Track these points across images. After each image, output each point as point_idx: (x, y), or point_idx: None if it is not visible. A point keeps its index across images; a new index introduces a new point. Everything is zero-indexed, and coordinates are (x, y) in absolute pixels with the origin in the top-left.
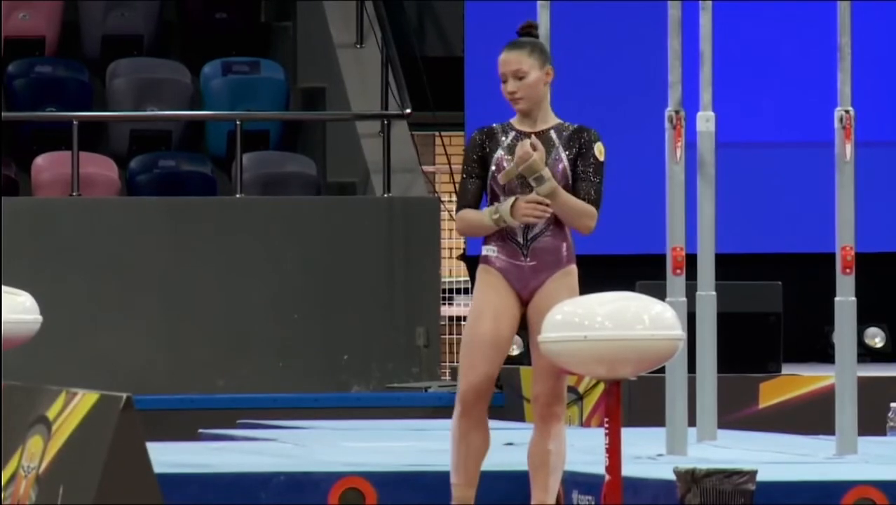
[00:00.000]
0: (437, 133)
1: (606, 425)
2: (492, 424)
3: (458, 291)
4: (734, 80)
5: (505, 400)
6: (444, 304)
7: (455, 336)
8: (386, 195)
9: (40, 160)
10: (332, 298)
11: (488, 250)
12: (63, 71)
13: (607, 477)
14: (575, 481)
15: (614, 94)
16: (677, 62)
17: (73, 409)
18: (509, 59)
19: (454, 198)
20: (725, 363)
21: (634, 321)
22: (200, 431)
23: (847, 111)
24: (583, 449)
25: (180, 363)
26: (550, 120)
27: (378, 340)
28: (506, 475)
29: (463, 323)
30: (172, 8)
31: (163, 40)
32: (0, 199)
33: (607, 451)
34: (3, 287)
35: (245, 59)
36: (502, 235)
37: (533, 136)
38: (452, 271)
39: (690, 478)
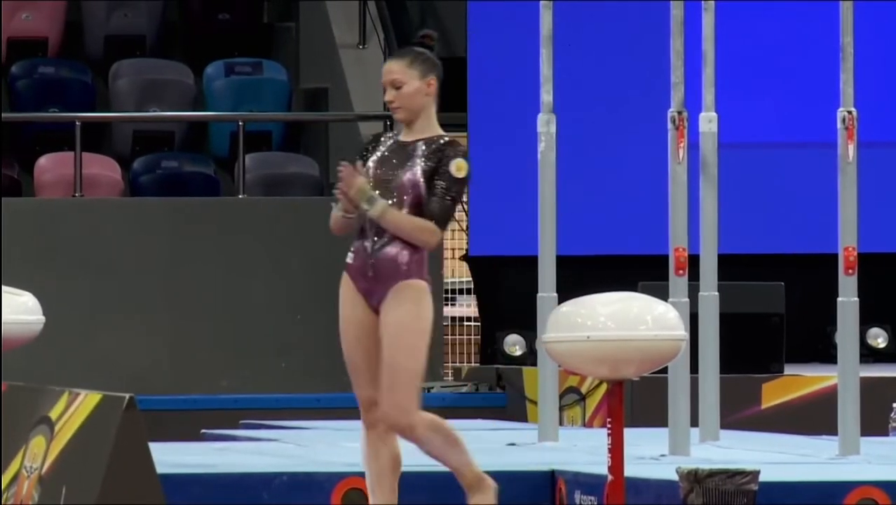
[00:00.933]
0: None
1: (609, 426)
2: (494, 424)
3: (461, 292)
4: (736, 81)
5: (507, 401)
6: (447, 304)
7: (458, 336)
8: None
9: (43, 161)
10: (335, 299)
11: (348, 256)
12: (66, 72)
13: (610, 477)
14: (578, 482)
15: (617, 95)
16: (680, 63)
17: (75, 409)
18: (389, 69)
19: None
20: (728, 364)
21: (637, 322)
22: (203, 431)
23: (850, 112)
24: (585, 449)
25: (183, 364)
26: (429, 131)
27: None
28: (508, 476)
29: (466, 323)
30: (175, 8)
31: (166, 41)
32: (0, 199)
33: (610, 451)
34: (6, 287)
35: (248, 59)
36: (360, 243)
37: (384, 152)
38: (455, 271)
39: (693, 478)
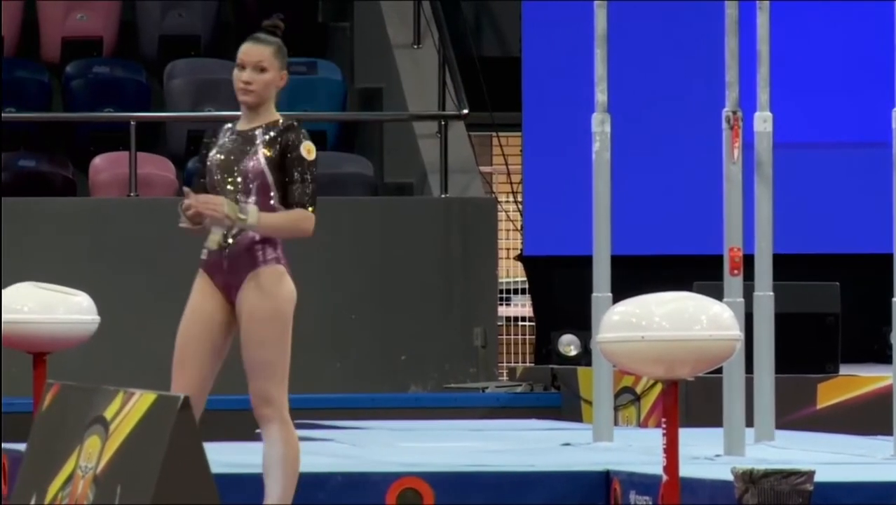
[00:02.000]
0: (494, 133)
1: (664, 426)
2: (549, 424)
3: (516, 292)
4: (791, 81)
5: (562, 401)
6: (502, 304)
7: (513, 336)
8: (443, 196)
9: (98, 161)
10: (390, 299)
11: (202, 252)
12: (121, 71)
13: (665, 477)
14: (632, 482)
15: (672, 95)
16: (734, 62)
17: (130, 409)
18: (253, 51)
19: (511, 198)
20: (783, 364)
21: (692, 322)
22: (258, 431)
23: None
24: (640, 450)
25: (237, 363)
26: (265, 118)
27: (435, 340)
28: (563, 476)
29: (521, 323)
30: (230, 8)
31: (220, 41)
32: (0, 199)
33: (665, 451)
34: (61, 288)
35: (302, 59)
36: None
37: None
38: (510, 271)
39: (748, 478)
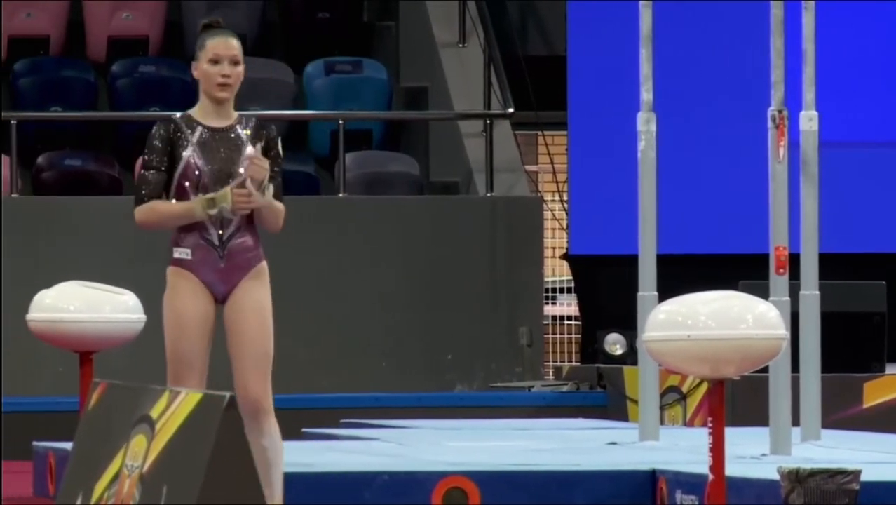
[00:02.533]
0: (539, 132)
1: (710, 425)
2: (595, 423)
3: (562, 291)
4: (837, 80)
5: (608, 400)
6: (548, 303)
7: (558, 335)
8: (489, 194)
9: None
10: (436, 298)
11: (181, 253)
12: (166, 70)
13: (711, 477)
14: (678, 481)
15: (717, 94)
16: (780, 61)
17: (176, 408)
18: (229, 44)
19: (557, 197)
20: (829, 363)
21: (738, 320)
22: (304, 430)
23: None
24: (686, 449)
25: (283, 362)
26: (233, 114)
27: (481, 339)
28: (609, 475)
29: (567, 322)
30: (275, 8)
31: (265, 40)
32: (0, 199)
33: (711, 450)
34: (108, 287)
35: (348, 58)
36: (196, 237)
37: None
38: (555, 270)
39: (794, 478)
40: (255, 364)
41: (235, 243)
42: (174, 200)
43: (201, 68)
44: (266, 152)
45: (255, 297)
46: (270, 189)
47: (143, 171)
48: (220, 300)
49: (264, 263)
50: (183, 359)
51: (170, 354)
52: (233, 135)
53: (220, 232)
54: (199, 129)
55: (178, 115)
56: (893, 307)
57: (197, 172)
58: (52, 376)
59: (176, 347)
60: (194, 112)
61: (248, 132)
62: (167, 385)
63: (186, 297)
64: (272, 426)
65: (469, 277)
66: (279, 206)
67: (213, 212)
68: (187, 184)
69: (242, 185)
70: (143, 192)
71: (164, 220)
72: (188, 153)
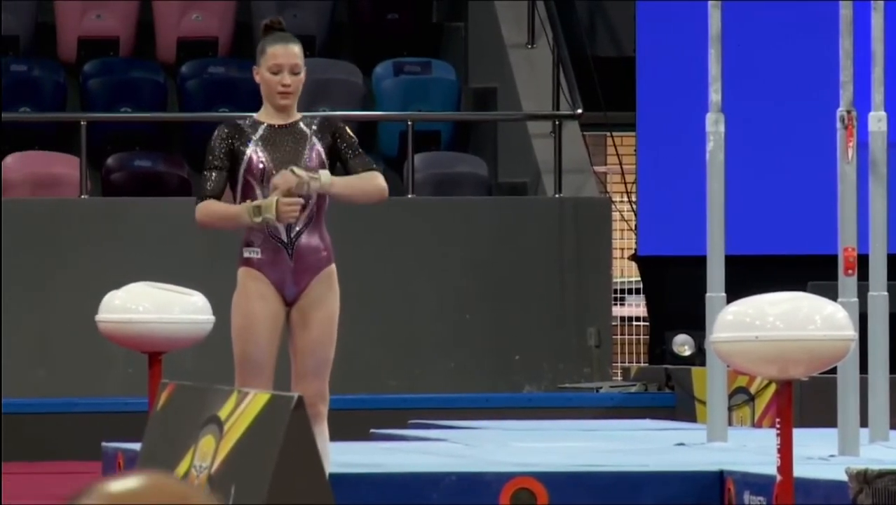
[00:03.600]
0: (608, 133)
1: (778, 426)
2: (663, 424)
3: (630, 292)
4: None
5: (676, 401)
6: (616, 304)
7: (627, 336)
8: (557, 195)
9: None
10: (504, 298)
11: (251, 252)
12: (235, 71)
13: (779, 478)
14: (746, 482)
15: (786, 94)
16: (849, 62)
17: (244, 409)
18: (290, 52)
19: (625, 198)
20: None
21: (806, 322)
22: (372, 430)
23: None
24: (754, 450)
25: (352, 363)
26: (296, 114)
27: (549, 340)
28: (677, 476)
29: (635, 323)
30: (344, 9)
31: (334, 41)
32: (0, 200)
33: (779, 451)
34: (177, 288)
35: (416, 59)
36: (265, 237)
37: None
38: (624, 271)
39: (863, 478)
40: (315, 369)
41: (304, 243)
42: (239, 198)
43: (262, 76)
44: (335, 144)
45: (323, 302)
46: (323, 175)
47: (203, 171)
48: (289, 302)
49: (333, 267)
50: (251, 361)
51: (238, 357)
52: (296, 130)
53: (289, 228)
54: (263, 127)
55: (242, 119)
56: None
57: (261, 166)
58: (121, 377)
59: (244, 350)
60: (259, 115)
61: (314, 128)
62: (235, 387)
63: (256, 299)
64: (325, 431)
65: (537, 277)
66: (361, 179)
67: (258, 220)
68: (252, 179)
69: (289, 193)
70: (202, 191)
71: (216, 220)
72: (250, 149)
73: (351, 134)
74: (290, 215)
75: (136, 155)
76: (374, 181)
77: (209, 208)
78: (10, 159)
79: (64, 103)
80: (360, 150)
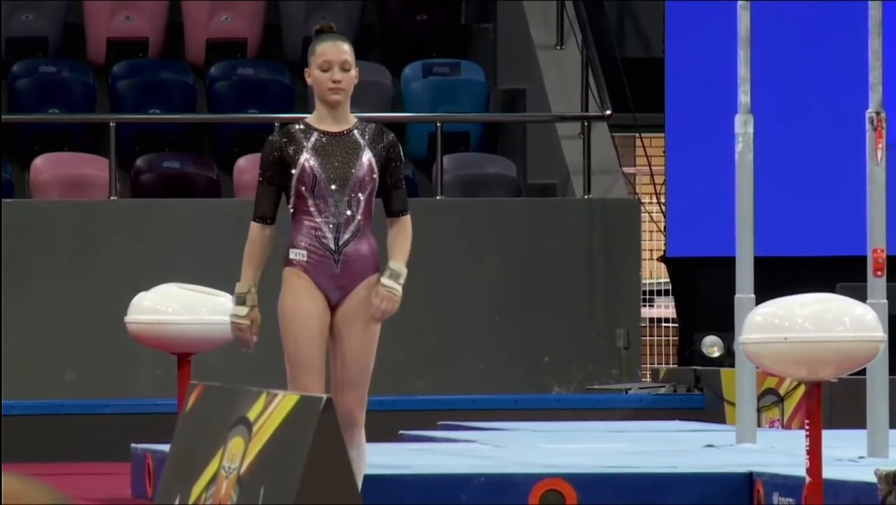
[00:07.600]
0: (637, 134)
1: (807, 427)
2: (692, 425)
3: (659, 293)
4: None
5: (705, 402)
6: (645, 305)
7: (656, 338)
8: (586, 196)
9: (242, 162)
10: (533, 300)
11: (297, 255)
12: (264, 73)
13: (808, 479)
14: (775, 483)
15: (814, 96)
16: (878, 63)
17: (273, 410)
18: (339, 49)
19: (654, 199)
20: None
21: (835, 323)
22: (401, 432)
23: None
24: (784, 451)
25: (380, 364)
26: (350, 118)
27: (578, 341)
28: (706, 478)
29: (664, 324)
30: (373, 10)
31: (364, 42)
32: (0, 200)
33: (808, 453)
34: (206, 289)
35: (445, 60)
36: (312, 240)
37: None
38: (653, 273)
39: (892, 480)
40: (354, 378)
41: (352, 250)
42: (292, 203)
43: (313, 74)
44: (388, 161)
45: (367, 309)
46: (402, 278)
47: (258, 181)
48: (333, 306)
49: (378, 274)
50: (304, 359)
51: (290, 356)
52: (350, 139)
53: (337, 237)
54: (316, 134)
55: (297, 123)
56: None
57: (313, 177)
58: (150, 378)
59: (295, 348)
60: (312, 119)
61: (367, 137)
62: (287, 387)
63: (304, 296)
64: (362, 438)
65: (566, 279)
66: (406, 241)
67: (232, 308)
68: (303, 188)
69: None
70: (254, 209)
71: (247, 254)
72: (303, 158)
73: (402, 160)
74: (235, 334)
75: (165, 156)
76: (409, 231)
77: (247, 248)
78: (39, 161)
79: (93, 105)
80: (404, 179)
